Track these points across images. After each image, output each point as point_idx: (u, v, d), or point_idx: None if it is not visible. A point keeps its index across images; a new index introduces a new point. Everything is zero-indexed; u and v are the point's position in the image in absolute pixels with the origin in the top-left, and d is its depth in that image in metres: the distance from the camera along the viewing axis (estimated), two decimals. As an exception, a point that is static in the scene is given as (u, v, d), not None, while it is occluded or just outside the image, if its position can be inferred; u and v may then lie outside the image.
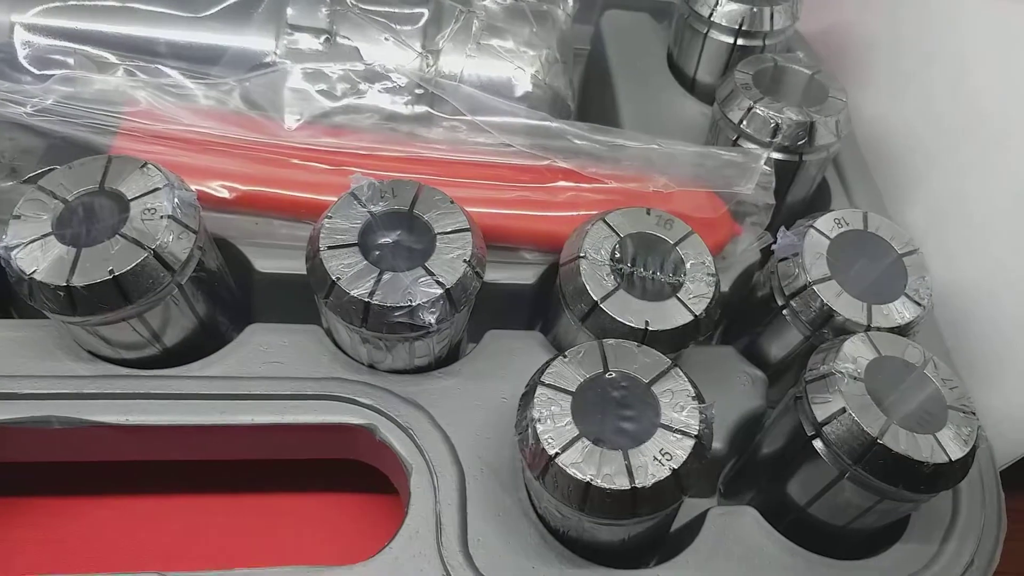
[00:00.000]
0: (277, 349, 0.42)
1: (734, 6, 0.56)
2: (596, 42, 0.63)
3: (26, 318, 0.42)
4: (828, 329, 0.43)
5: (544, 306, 0.48)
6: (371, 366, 0.42)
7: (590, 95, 0.64)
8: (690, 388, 0.36)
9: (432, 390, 0.42)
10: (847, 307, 0.42)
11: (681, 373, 0.36)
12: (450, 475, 0.39)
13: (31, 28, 0.49)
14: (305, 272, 0.42)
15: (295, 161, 0.46)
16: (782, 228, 0.45)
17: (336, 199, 0.41)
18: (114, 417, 0.38)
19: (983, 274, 0.51)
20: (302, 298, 0.43)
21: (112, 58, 0.48)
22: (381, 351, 0.40)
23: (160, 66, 0.48)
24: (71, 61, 0.48)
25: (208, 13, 0.48)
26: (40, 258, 0.35)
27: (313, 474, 0.48)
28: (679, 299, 0.40)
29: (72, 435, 0.39)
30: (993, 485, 0.44)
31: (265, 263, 0.45)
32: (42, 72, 0.48)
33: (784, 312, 0.44)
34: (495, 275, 0.47)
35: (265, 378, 0.40)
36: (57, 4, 0.49)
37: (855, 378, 0.37)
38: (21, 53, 0.48)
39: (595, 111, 0.62)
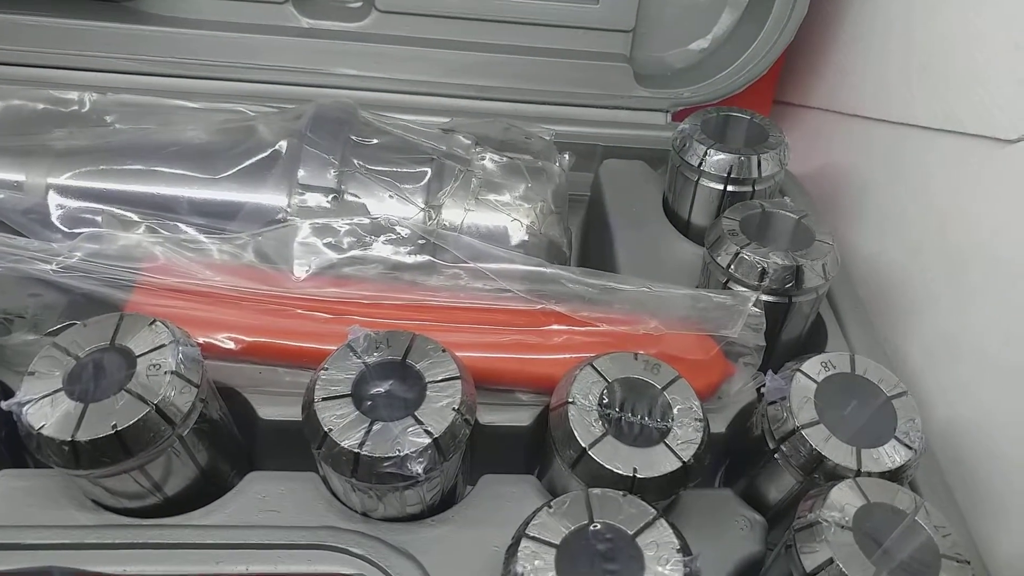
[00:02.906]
0: (275, 497, 0.43)
1: (722, 156, 0.58)
2: (595, 189, 0.66)
3: (43, 466, 0.43)
4: (819, 473, 0.43)
5: (540, 448, 0.49)
6: (364, 514, 0.43)
7: (591, 239, 0.66)
8: (675, 540, 0.36)
9: (424, 539, 0.42)
10: (836, 451, 0.42)
11: (666, 524, 0.36)
12: (439, 627, 0.39)
13: (64, 190, 0.53)
14: (305, 419, 0.44)
15: (300, 311, 0.48)
16: (769, 372, 0.45)
17: (333, 347, 0.43)
18: (112, 568, 0.39)
19: (982, 411, 0.51)
20: (304, 444, 0.45)
21: (135, 217, 0.51)
22: (373, 500, 0.41)
23: (179, 223, 0.51)
24: (99, 219, 0.52)
25: (226, 174, 0.52)
26: (49, 413, 0.37)
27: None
28: (667, 445, 0.41)
29: (71, 584, 0.40)
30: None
31: (268, 410, 0.46)
32: (71, 230, 0.51)
33: (776, 456, 0.45)
34: (491, 417, 0.48)
35: (262, 527, 0.41)
36: (89, 168, 0.53)
37: (843, 527, 0.37)
38: (54, 214, 0.52)
39: (595, 255, 0.64)
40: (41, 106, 0.60)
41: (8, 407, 0.38)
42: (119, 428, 0.37)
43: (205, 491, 0.43)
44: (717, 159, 0.59)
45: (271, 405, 0.47)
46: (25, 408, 0.37)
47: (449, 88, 0.69)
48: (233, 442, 0.45)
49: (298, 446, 0.45)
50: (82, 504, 0.41)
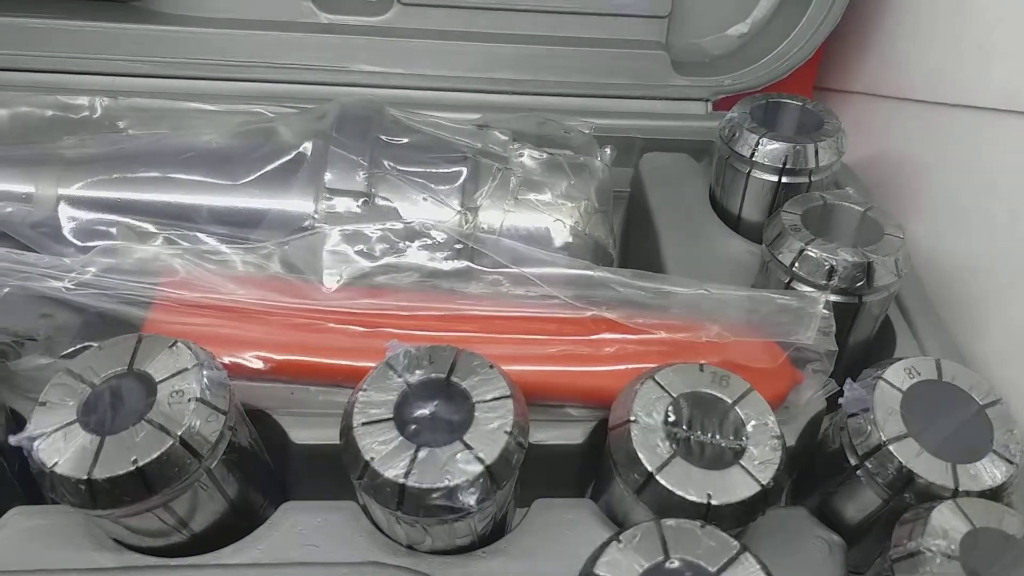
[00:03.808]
0: (312, 530, 0.39)
1: (776, 145, 0.54)
2: (636, 185, 0.62)
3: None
4: (909, 493, 0.39)
5: (595, 467, 0.45)
6: (410, 547, 0.39)
7: (631, 238, 0.63)
8: None
9: (476, 573, 0.38)
10: (929, 468, 0.38)
11: (752, 559, 0.33)
12: (497, 673, 0.35)
13: (75, 201, 0.49)
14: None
15: (332, 325, 0.45)
16: (848, 381, 0.41)
17: (374, 364, 0.39)
18: (136, 615, 0.36)
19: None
20: (340, 469, 0.41)
21: (152, 228, 0.48)
22: (419, 532, 0.37)
23: (199, 233, 0.48)
24: (114, 231, 0.48)
25: (248, 180, 0.49)
26: (63, 448, 0.34)
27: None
28: (743, 466, 0.37)
29: (93, 632, 0.36)
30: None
31: (301, 433, 0.43)
32: (85, 244, 0.48)
33: (858, 473, 0.41)
34: (541, 435, 0.44)
35: (299, 564, 0.38)
36: (101, 177, 0.50)
37: (949, 556, 0.33)
38: (66, 227, 0.49)
39: (636, 255, 0.60)
40: (50, 113, 0.57)
41: (17, 442, 0.34)
42: (140, 464, 0.33)
43: (236, 525, 0.39)
44: (770, 149, 0.54)
45: (304, 428, 0.43)
46: (36, 443, 0.34)
47: (477, 83, 0.65)
48: (264, 470, 0.42)
49: (335, 472, 0.41)
50: (103, 544, 0.38)
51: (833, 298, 0.47)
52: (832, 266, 0.47)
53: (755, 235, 0.57)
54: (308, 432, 0.43)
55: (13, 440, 0.34)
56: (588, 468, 0.46)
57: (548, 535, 0.40)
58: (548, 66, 0.65)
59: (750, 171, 0.56)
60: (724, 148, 0.57)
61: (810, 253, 0.47)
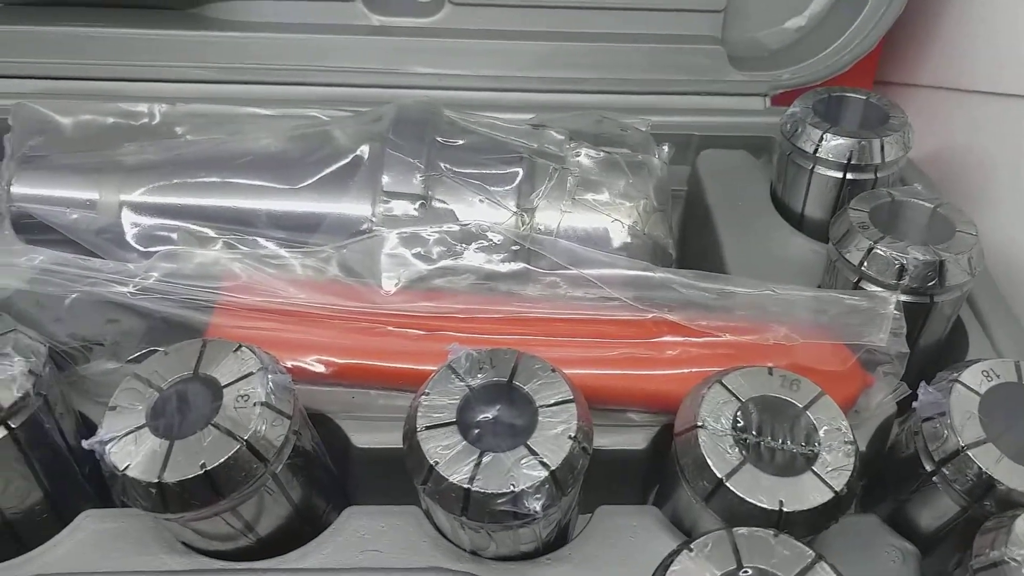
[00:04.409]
0: (375, 535, 0.39)
1: (840, 141, 0.53)
2: (693, 183, 0.61)
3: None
4: (990, 500, 0.37)
5: (657, 473, 0.44)
6: (474, 552, 0.39)
7: (689, 238, 0.61)
8: (840, 587, 0.31)
9: (542, 580, 0.38)
10: (1011, 475, 0.37)
11: (828, 568, 0.32)
12: None
13: (138, 207, 0.50)
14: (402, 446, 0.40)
15: (392, 328, 0.45)
16: (923, 384, 0.40)
17: (434, 367, 0.39)
18: (204, 618, 0.36)
19: None
20: (402, 473, 0.41)
21: (212, 232, 0.48)
22: (484, 538, 0.37)
23: (258, 237, 0.48)
24: (175, 236, 0.49)
25: (306, 184, 0.49)
26: (133, 452, 0.34)
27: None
28: (815, 473, 0.36)
29: (161, 635, 0.37)
30: None
31: (363, 437, 0.43)
32: (147, 249, 0.49)
33: (935, 479, 0.39)
34: (602, 440, 0.43)
35: (364, 569, 0.38)
36: (162, 183, 0.50)
37: (1037, 568, 0.32)
38: (129, 232, 0.49)
39: (695, 255, 0.59)
40: (111, 120, 0.58)
41: (90, 446, 0.35)
42: (208, 467, 0.34)
43: (300, 530, 0.39)
44: (835, 144, 0.53)
45: (365, 432, 0.43)
46: (108, 447, 0.34)
47: (530, 82, 0.64)
48: (327, 475, 0.42)
49: (396, 476, 0.41)
50: (172, 547, 0.38)
51: (903, 298, 0.45)
52: (903, 265, 0.45)
53: (819, 233, 0.55)
54: (369, 436, 0.43)
55: (86, 444, 0.34)
56: (650, 474, 0.45)
57: (612, 542, 0.40)
58: (603, 63, 0.64)
59: (813, 167, 0.54)
60: (786, 144, 0.55)
61: (879, 252, 0.46)
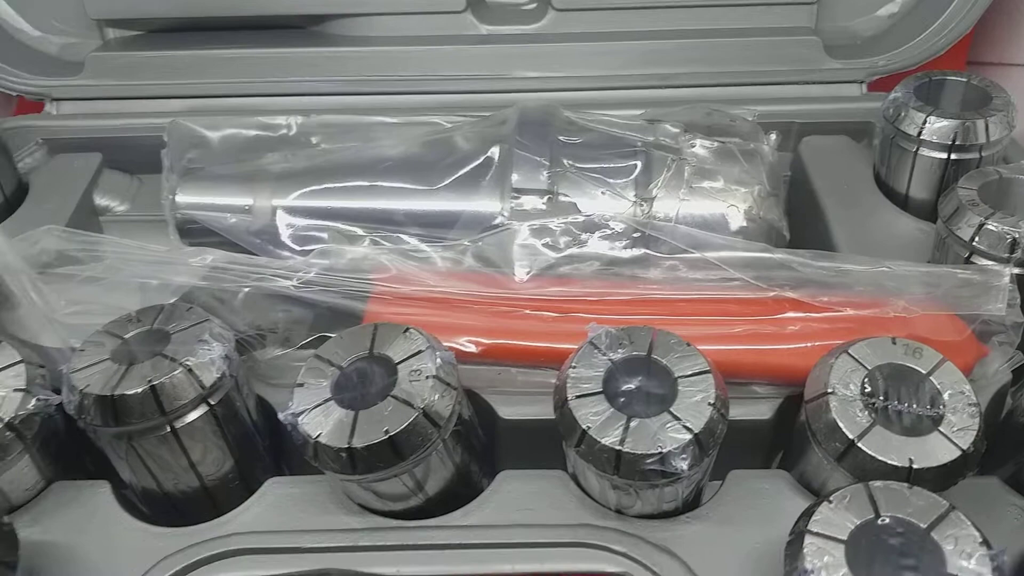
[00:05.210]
0: (527, 496, 0.43)
1: (944, 123, 0.55)
2: (797, 169, 0.63)
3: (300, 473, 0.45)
4: (1114, 458, 0.39)
5: (782, 442, 0.47)
6: (618, 511, 0.42)
7: (794, 223, 0.64)
8: (975, 533, 0.34)
9: (682, 536, 0.41)
10: None
11: (963, 516, 0.34)
12: (713, 625, 0.38)
13: (290, 210, 0.56)
14: (543, 417, 0.44)
15: (528, 312, 0.49)
16: (1039, 351, 0.42)
17: (569, 346, 0.43)
18: (386, 569, 0.40)
19: None
20: (542, 443, 0.45)
21: (360, 231, 0.53)
22: (630, 497, 0.41)
23: (401, 235, 0.53)
24: (325, 236, 0.54)
25: (442, 184, 0.53)
26: (323, 422, 0.39)
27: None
28: (942, 433, 0.39)
29: (344, 585, 0.41)
30: None
31: (507, 410, 0.47)
32: (301, 248, 0.54)
33: (1056, 440, 0.41)
34: (730, 412, 0.46)
35: (519, 526, 0.42)
36: (311, 188, 0.55)
37: None
38: (284, 233, 0.55)
39: (801, 239, 0.61)
40: (252, 133, 0.64)
41: (284, 418, 0.39)
42: (391, 433, 0.38)
43: (459, 492, 0.44)
44: (939, 126, 0.55)
45: (510, 405, 0.47)
46: (300, 418, 0.39)
47: (634, 80, 0.68)
48: (480, 443, 0.46)
49: (538, 444, 0.46)
50: (350, 508, 0.43)
51: (1016, 270, 0.47)
52: (1015, 239, 0.47)
53: (924, 213, 0.58)
54: (513, 409, 0.47)
55: (281, 416, 0.39)
56: (774, 443, 0.48)
57: (746, 503, 0.43)
58: (703, 58, 0.67)
59: (917, 149, 0.56)
60: (889, 128, 0.57)
61: (991, 227, 0.48)
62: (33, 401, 0.42)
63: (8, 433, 0.41)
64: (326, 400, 0.40)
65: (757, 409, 0.47)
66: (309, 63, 0.71)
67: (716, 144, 0.53)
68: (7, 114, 0.75)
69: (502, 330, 0.47)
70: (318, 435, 0.39)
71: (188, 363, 0.41)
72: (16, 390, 0.42)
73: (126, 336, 0.43)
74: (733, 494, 0.43)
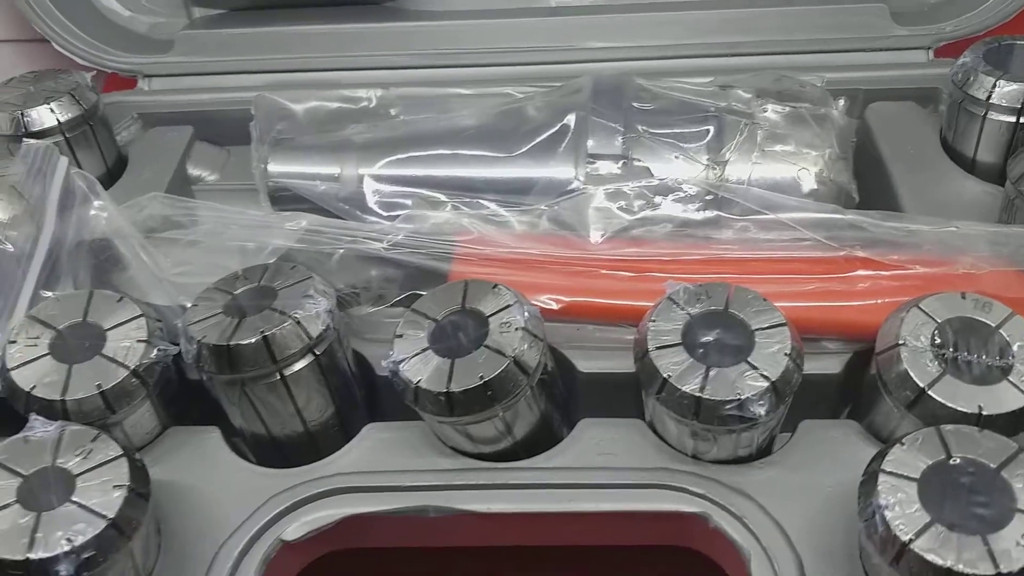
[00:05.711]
0: (608, 442, 0.46)
1: (1014, 87, 0.55)
2: (863, 134, 0.64)
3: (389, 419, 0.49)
4: None
5: (851, 394, 0.49)
6: (695, 457, 0.45)
7: (862, 186, 0.65)
8: (1044, 472, 0.36)
9: (757, 480, 0.44)
10: None
11: (1032, 457, 0.36)
12: (788, 560, 0.41)
13: (377, 178, 0.59)
14: (620, 371, 0.47)
15: (604, 272, 0.51)
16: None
17: (644, 303, 0.45)
18: (479, 506, 0.44)
19: None
20: (618, 395, 0.48)
21: (442, 197, 0.56)
22: (708, 442, 0.43)
23: (481, 200, 0.56)
24: (409, 203, 0.57)
25: (519, 152, 0.56)
26: (422, 369, 0.42)
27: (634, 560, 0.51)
28: (1011, 382, 0.40)
29: (438, 522, 0.45)
30: None
31: (585, 364, 0.50)
32: (388, 214, 0.57)
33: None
34: (801, 366, 0.49)
35: (602, 468, 0.45)
36: (396, 157, 0.59)
37: None
38: (371, 199, 0.58)
39: (868, 203, 0.63)
40: (335, 105, 0.67)
41: (386, 365, 0.43)
42: (486, 379, 0.41)
43: (542, 439, 0.47)
44: (1008, 90, 0.56)
45: (587, 359, 0.50)
46: (401, 366, 0.43)
47: (702, 49, 0.69)
48: (560, 393, 0.49)
49: (614, 395, 0.48)
50: (442, 451, 0.46)
51: (1084, 230, 0.48)
52: (1086, 199, 0.48)
53: (991, 176, 0.58)
54: (591, 363, 0.50)
55: (384, 363, 0.43)
56: (843, 398, 0.50)
57: (817, 451, 0.45)
58: (770, 26, 0.69)
59: (986, 113, 0.57)
60: (957, 92, 0.58)
61: (1061, 188, 0.49)
62: (155, 351, 0.46)
63: (133, 380, 0.45)
64: (424, 349, 0.43)
65: (827, 364, 0.49)
66: (385, 38, 0.73)
67: (787, 109, 0.54)
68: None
69: (580, 288, 0.50)
70: (418, 381, 0.42)
71: (296, 315, 0.45)
72: (139, 341, 0.46)
73: (235, 292, 0.47)
74: (804, 442, 0.45)
